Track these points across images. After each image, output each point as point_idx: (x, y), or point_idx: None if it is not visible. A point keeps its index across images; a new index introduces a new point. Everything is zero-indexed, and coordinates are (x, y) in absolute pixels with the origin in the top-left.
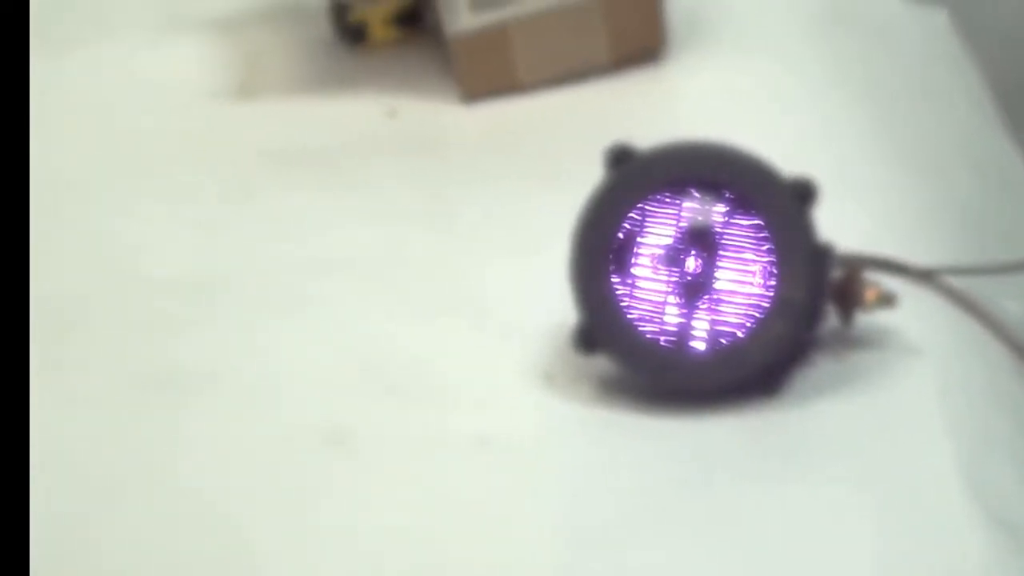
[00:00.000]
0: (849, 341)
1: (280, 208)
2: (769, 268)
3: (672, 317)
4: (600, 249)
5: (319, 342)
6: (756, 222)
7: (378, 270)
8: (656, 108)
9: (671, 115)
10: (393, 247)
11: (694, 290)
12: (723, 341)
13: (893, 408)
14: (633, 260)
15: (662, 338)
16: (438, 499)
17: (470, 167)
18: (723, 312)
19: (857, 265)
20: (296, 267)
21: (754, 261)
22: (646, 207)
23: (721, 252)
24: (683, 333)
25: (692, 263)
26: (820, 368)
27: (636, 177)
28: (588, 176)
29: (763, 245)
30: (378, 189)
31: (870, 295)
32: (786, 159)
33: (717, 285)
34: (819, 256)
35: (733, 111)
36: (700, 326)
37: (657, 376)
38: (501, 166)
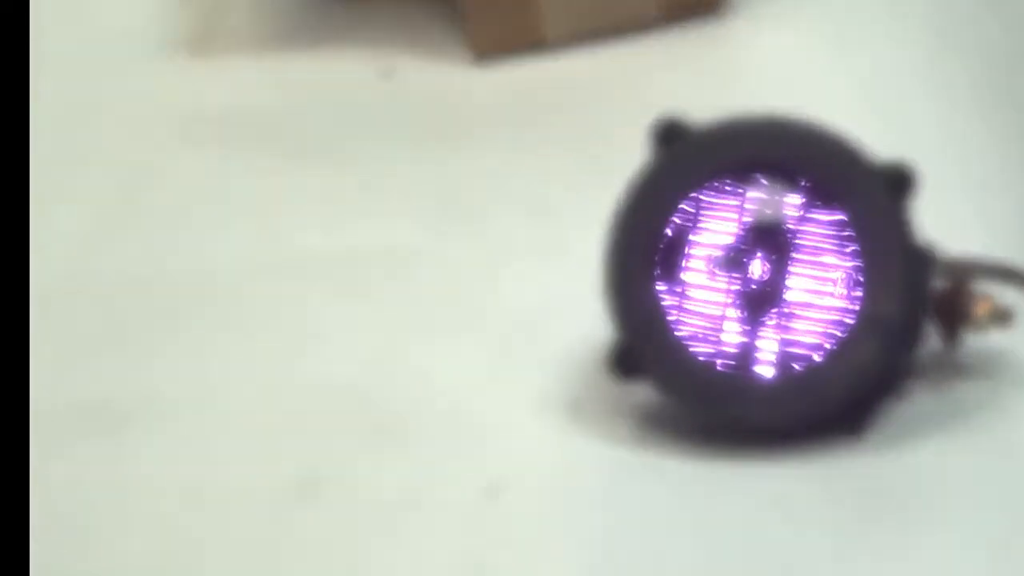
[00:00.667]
0: (954, 368)
1: (246, 193)
2: (854, 275)
3: (732, 335)
4: (643, 249)
5: (294, 364)
6: (839, 217)
7: (367, 273)
8: (715, 73)
9: (733, 82)
10: (386, 243)
11: (760, 301)
12: (796, 366)
13: (1008, 451)
14: (684, 263)
15: (719, 361)
16: (434, 564)
17: (482, 144)
18: (796, 330)
19: (965, 273)
20: (266, 270)
21: (836, 266)
22: (701, 197)
23: (794, 254)
24: (746, 355)
25: (758, 268)
26: (917, 402)
27: (689, 159)
28: (629, 157)
29: (847, 246)
30: (368, 169)
31: (981, 310)
32: (875, 138)
33: (789, 296)
34: (918, 261)
35: (810, 78)
36: (767, 347)
37: (712, 409)
38: (520, 143)
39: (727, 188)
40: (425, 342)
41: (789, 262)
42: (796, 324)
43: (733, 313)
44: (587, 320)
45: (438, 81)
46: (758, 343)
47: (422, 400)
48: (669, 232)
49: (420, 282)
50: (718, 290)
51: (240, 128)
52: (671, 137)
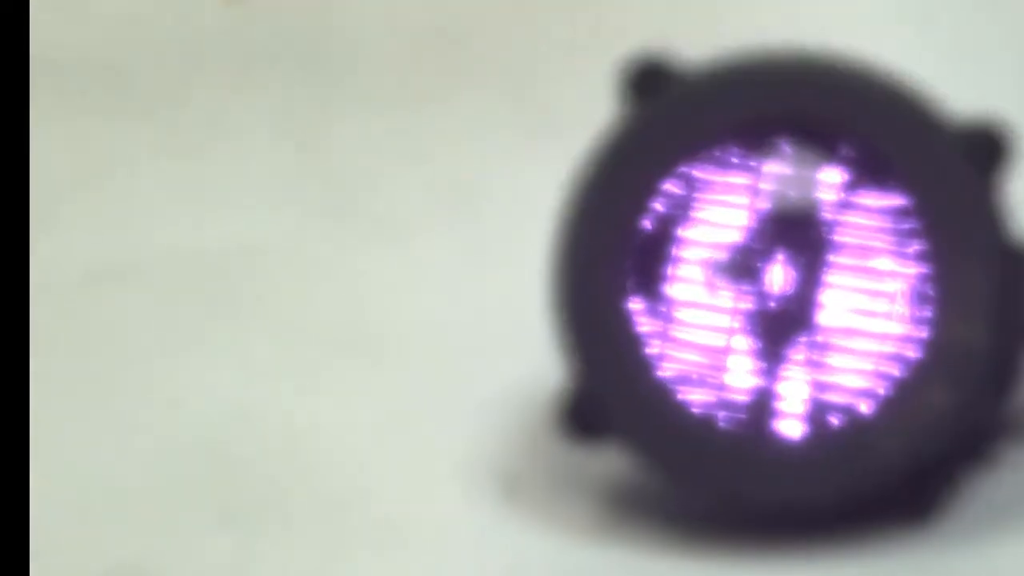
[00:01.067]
0: None
1: (38, 166)
2: (920, 287)
3: (742, 376)
4: (611, 250)
5: (104, 419)
6: (898, 202)
7: (210, 285)
8: None
9: (741, 4)
10: (238, 241)
11: (782, 327)
12: (834, 420)
13: None
14: (670, 271)
15: (722, 414)
16: None
17: (372, 94)
18: (835, 368)
19: None
20: (71, 273)
21: (893, 274)
22: (695, 173)
23: (833, 257)
24: (762, 406)
25: (779, 277)
26: (1011, 473)
27: (677, 118)
28: (588, 115)
29: (909, 245)
30: (210, 132)
31: None
32: (950, 87)
33: (824, 318)
34: (1014, 267)
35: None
36: (793, 393)
37: (713, 484)
38: (432, 94)
39: (733, 160)
40: (294, 387)
41: (825, 269)
42: (835, 359)
43: (743, 344)
44: (528, 355)
45: (306, 6)
46: (779, 388)
47: (289, 472)
48: (648, 225)
49: (284, 298)
50: (721, 310)
51: (37, 72)
52: (651, 85)
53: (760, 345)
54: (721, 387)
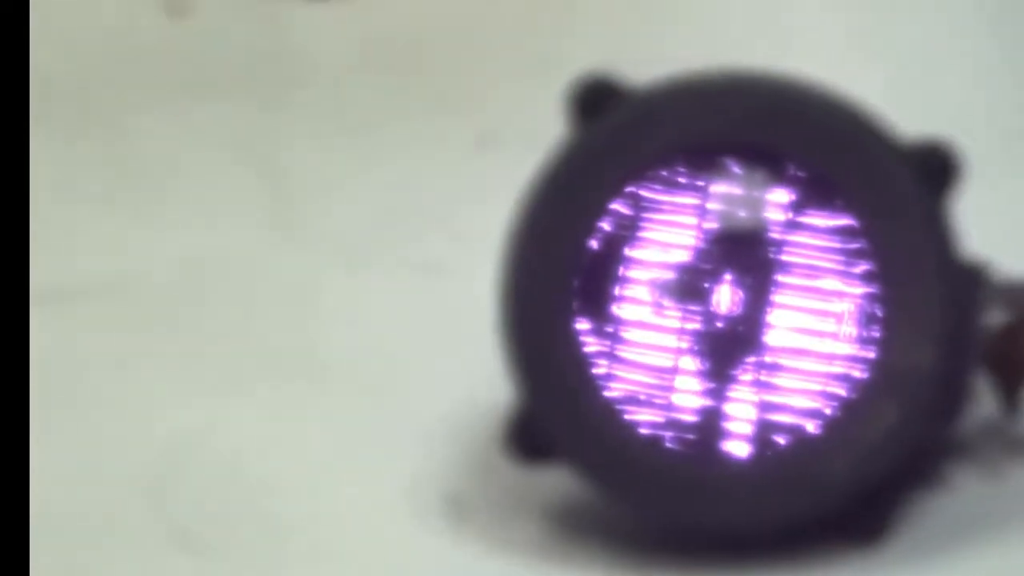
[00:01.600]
0: (1015, 443)
1: None
2: (868, 308)
3: (689, 397)
4: (558, 270)
5: (59, 435)
6: (846, 223)
7: (165, 304)
8: (663, 11)
9: (689, 24)
10: (190, 262)
11: (730, 347)
12: (781, 441)
13: None
14: (618, 291)
15: (669, 435)
16: None
17: (320, 112)
18: (782, 388)
19: None
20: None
21: (840, 294)
22: (642, 193)
23: (780, 277)
24: (709, 426)
25: (727, 297)
26: (962, 493)
27: (624, 138)
28: (536, 134)
29: (857, 265)
30: (155, 148)
31: None
32: (900, 108)
33: (772, 338)
34: (962, 286)
35: (804, 19)
36: (740, 414)
37: (660, 506)
38: (381, 111)
39: (681, 180)
40: (243, 409)
41: (772, 289)
42: (782, 380)
43: (690, 364)
44: (474, 374)
45: (254, 20)
46: (727, 408)
47: (238, 494)
48: (595, 245)
49: (233, 320)
50: (668, 330)
51: None
52: (598, 105)
53: (707, 365)
54: (668, 407)
